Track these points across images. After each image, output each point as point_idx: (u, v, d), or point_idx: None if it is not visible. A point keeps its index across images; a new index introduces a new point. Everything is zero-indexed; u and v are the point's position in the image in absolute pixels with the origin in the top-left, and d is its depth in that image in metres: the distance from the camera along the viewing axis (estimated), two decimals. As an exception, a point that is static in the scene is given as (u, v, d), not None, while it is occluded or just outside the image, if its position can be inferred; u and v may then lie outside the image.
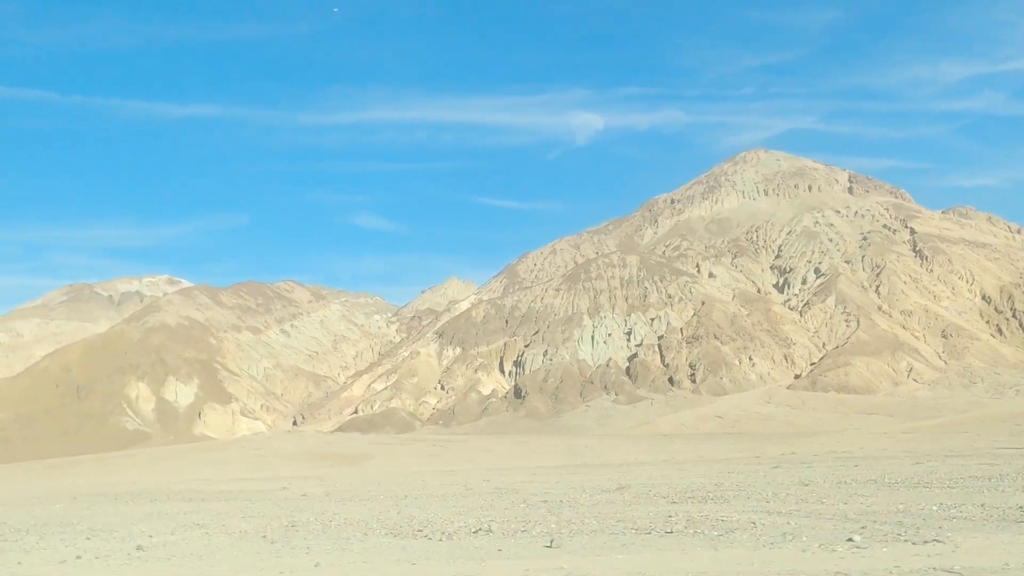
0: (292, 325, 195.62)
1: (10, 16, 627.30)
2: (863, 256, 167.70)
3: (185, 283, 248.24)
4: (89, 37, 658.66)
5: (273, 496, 37.82)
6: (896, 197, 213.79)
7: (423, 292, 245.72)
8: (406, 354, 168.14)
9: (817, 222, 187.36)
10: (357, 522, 25.22)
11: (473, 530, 21.94)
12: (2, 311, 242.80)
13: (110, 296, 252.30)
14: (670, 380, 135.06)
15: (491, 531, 21.69)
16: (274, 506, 32.40)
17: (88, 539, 23.13)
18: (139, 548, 20.79)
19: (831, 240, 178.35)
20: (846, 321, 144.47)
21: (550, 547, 18.75)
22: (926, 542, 16.95)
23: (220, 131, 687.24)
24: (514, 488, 36.66)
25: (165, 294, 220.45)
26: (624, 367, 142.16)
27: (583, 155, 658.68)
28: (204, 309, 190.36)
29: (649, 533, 20.05)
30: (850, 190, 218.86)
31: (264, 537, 22.42)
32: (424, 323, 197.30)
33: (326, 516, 27.47)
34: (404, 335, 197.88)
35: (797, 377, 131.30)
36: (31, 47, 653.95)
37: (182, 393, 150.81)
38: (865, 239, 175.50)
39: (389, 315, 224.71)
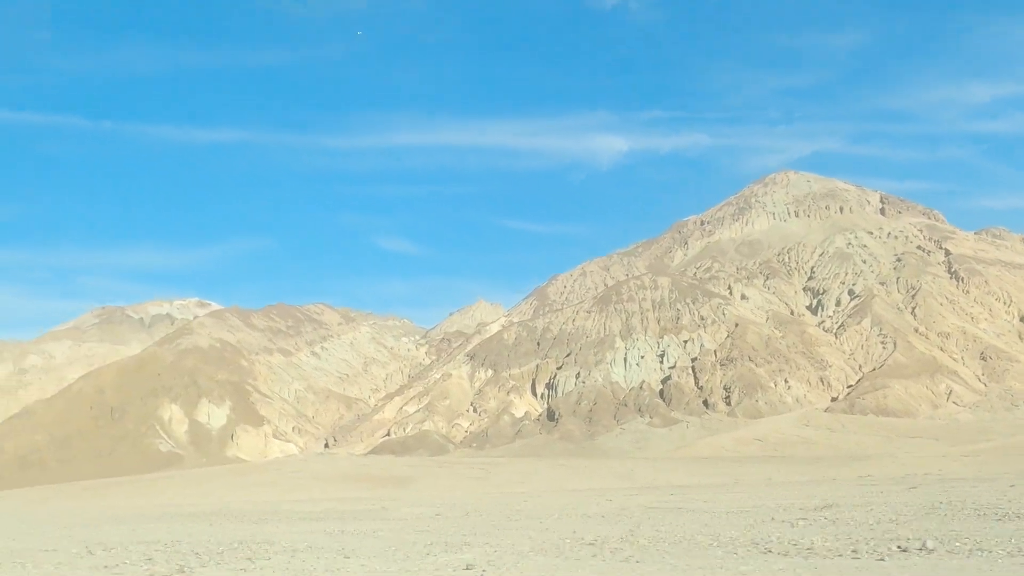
0: (323, 347, 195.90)
1: (40, 44, 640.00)
2: (898, 277, 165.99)
3: (215, 306, 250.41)
4: (118, 63, 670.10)
5: (385, 515, 35.67)
6: (929, 218, 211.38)
7: (451, 314, 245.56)
8: (438, 376, 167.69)
9: (850, 243, 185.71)
10: (662, 539, 22.27)
11: (901, 548, 18.88)
12: (34, 334, 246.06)
13: (141, 319, 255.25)
14: (705, 403, 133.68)
15: (928, 548, 18.60)
16: (451, 525, 29.29)
17: (347, 558, 21.16)
18: (468, 568, 19.02)
19: (864, 261, 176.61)
20: (882, 343, 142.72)
21: None
22: None
23: (247, 155, 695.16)
24: (669, 507, 33.55)
25: (195, 316, 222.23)
26: (658, 389, 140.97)
27: (607, 178, 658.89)
28: (236, 331, 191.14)
29: None
30: (882, 211, 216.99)
31: (595, 556, 19.78)
32: (454, 345, 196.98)
33: (570, 535, 24.26)
34: (434, 357, 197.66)
35: (834, 400, 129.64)
36: (61, 74, 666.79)
37: (215, 415, 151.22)
38: (899, 260, 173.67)
39: (417, 337, 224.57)
